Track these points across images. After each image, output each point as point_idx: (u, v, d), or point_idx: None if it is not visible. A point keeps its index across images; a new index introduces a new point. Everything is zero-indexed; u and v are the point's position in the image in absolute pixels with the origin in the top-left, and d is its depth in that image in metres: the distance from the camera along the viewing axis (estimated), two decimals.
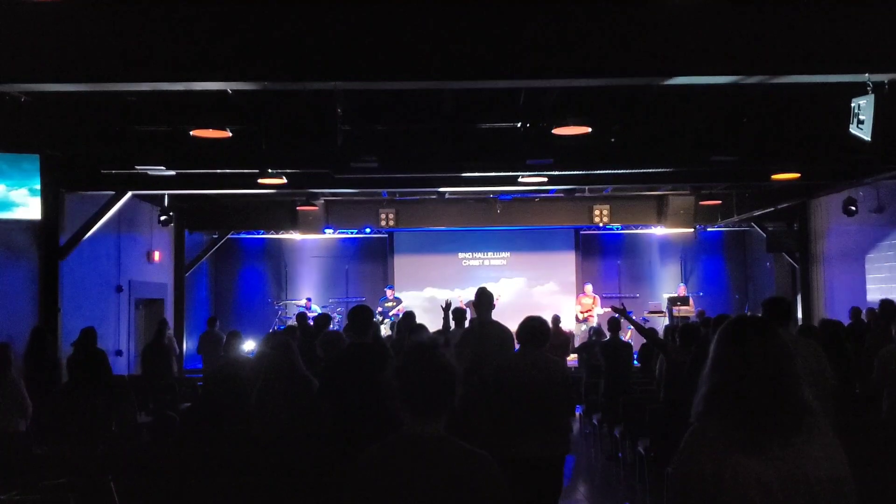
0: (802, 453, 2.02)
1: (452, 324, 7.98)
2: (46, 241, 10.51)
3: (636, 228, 17.67)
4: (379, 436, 2.42)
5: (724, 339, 2.18)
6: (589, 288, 16.41)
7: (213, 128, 8.17)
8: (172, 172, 10.28)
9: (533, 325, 5.11)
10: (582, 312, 15.95)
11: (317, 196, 14.66)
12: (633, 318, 8.13)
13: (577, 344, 13.77)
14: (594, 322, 15.42)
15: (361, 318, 5.59)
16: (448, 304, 8.21)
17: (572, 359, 12.55)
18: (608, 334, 10.08)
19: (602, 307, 16.11)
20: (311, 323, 10.89)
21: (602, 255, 18.35)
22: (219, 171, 10.66)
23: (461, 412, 2.85)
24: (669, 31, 5.53)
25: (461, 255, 18.07)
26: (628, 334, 13.72)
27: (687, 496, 2.07)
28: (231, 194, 14.38)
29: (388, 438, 2.36)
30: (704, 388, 2.15)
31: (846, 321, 10.30)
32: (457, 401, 2.37)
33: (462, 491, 2.24)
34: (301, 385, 5.37)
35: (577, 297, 16.76)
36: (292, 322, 13.07)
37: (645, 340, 8.74)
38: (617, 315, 8.30)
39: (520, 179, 11.17)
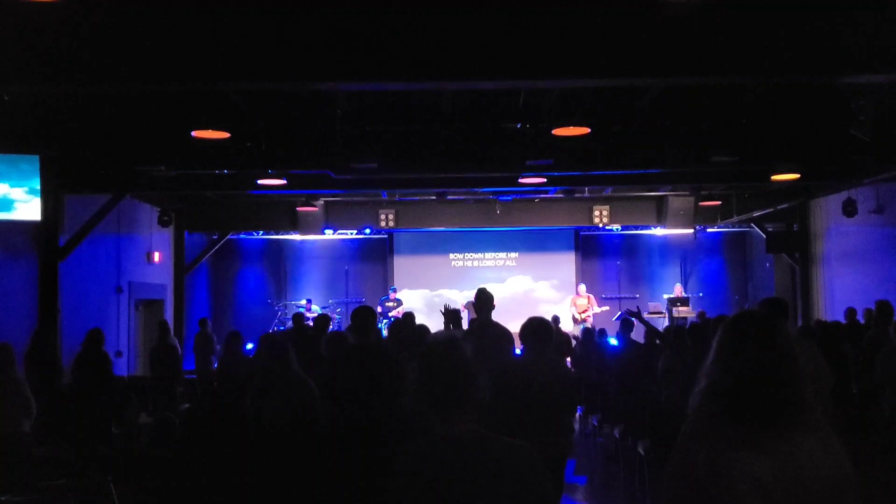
0: (801, 450, 1.99)
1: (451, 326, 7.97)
2: (46, 242, 10.50)
3: (636, 229, 17.68)
4: (381, 437, 2.40)
5: (726, 333, 2.16)
6: (583, 288, 16.40)
7: (213, 128, 8.17)
8: (172, 173, 10.28)
9: (535, 326, 5.10)
10: (579, 313, 15.92)
11: (316, 197, 14.67)
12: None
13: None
14: (590, 322, 15.41)
15: (363, 319, 5.58)
16: (447, 308, 8.22)
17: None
18: (614, 334, 10.06)
19: (598, 306, 16.10)
20: (310, 324, 10.89)
21: (602, 255, 18.34)
22: (219, 171, 10.66)
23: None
24: (669, 31, 5.54)
25: (461, 255, 18.07)
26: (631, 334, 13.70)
27: (682, 491, 2.05)
28: (231, 195, 14.40)
29: (419, 441, 2.31)
30: (704, 383, 2.13)
31: (844, 322, 10.31)
32: (480, 393, 2.34)
33: (507, 483, 2.22)
34: (296, 386, 5.36)
35: (571, 298, 16.69)
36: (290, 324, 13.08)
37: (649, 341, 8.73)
38: (631, 318, 8.32)
39: (519, 180, 11.17)
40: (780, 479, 1.96)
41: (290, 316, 15.92)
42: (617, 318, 13.79)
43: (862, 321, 10.60)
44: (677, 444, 2.12)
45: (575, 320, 15.77)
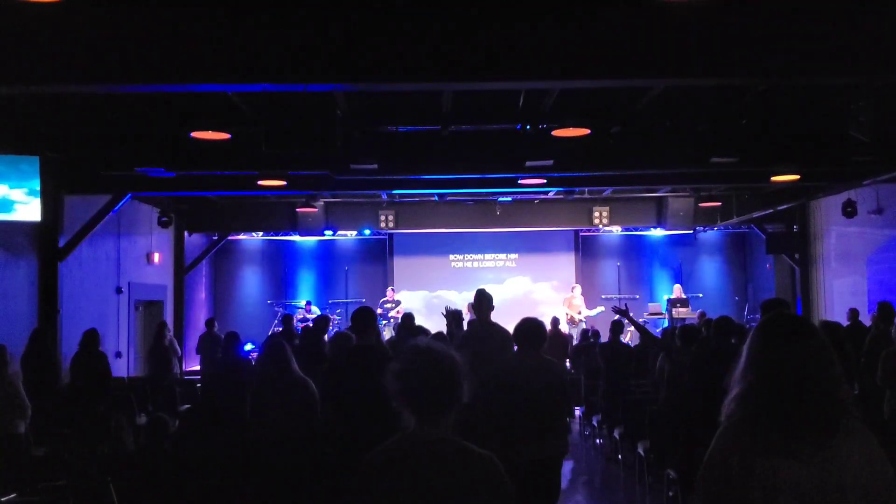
0: (840, 456, 1.95)
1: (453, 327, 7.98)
2: (46, 242, 10.49)
3: (636, 230, 17.67)
4: (382, 438, 2.38)
5: (760, 338, 2.10)
6: (578, 290, 16.38)
7: (213, 129, 8.16)
8: (172, 174, 10.27)
9: (529, 327, 5.09)
10: (575, 314, 15.88)
11: (316, 197, 14.67)
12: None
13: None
14: (583, 324, 15.39)
15: (363, 319, 5.59)
16: (448, 309, 8.23)
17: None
18: (607, 336, 10.04)
19: (587, 308, 16.06)
20: (303, 325, 10.94)
21: (602, 256, 18.33)
22: (218, 172, 10.65)
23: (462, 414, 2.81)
24: (669, 31, 5.53)
25: (461, 256, 18.07)
26: (627, 336, 13.71)
27: (716, 497, 2.02)
28: (231, 196, 14.39)
29: (391, 440, 2.31)
30: (738, 389, 2.08)
31: (845, 322, 10.30)
32: (462, 401, 2.31)
33: (467, 492, 2.20)
34: (296, 387, 5.36)
35: (565, 299, 16.63)
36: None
37: (643, 341, 8.72)
38: (620, 317, 8.28)
39: (519, 181, 11.17)
40: (819, 485, 1.92)
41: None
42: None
43: (862, 322, 10.58)
44: (712, 450, 2.07)
45: (571, 322, 15.72)
